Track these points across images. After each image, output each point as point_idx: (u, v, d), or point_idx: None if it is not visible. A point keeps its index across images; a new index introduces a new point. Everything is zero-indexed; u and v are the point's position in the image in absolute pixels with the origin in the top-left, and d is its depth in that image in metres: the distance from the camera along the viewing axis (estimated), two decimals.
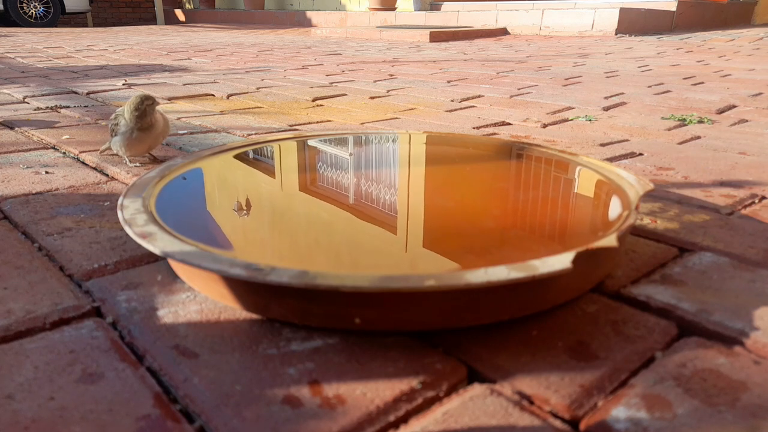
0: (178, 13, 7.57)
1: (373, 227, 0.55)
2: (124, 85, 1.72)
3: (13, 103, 1.41)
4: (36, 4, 6.15)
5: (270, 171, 0.74)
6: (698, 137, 1.05)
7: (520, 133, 1.10)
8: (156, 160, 0.87)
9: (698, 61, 2.38)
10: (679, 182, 0.78)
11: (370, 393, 0.35)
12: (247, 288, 0.42)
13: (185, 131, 1.09)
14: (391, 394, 0.35)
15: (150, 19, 7.68)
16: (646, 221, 0.63)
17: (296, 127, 1.14)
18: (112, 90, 1.62)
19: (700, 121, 1.19)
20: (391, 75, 2.00)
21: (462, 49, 3.17)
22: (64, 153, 0.92)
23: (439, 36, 3.92)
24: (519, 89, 1.65)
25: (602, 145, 1.00)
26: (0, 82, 1.80)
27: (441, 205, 0.62)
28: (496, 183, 0.70)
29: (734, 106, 1.37)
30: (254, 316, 0.43)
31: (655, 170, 0.84)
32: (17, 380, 0.36)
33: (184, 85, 1.73)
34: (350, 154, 0.82)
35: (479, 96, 1.54)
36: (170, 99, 1.48)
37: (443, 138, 0.90)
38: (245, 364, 0.38)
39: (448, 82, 1.82)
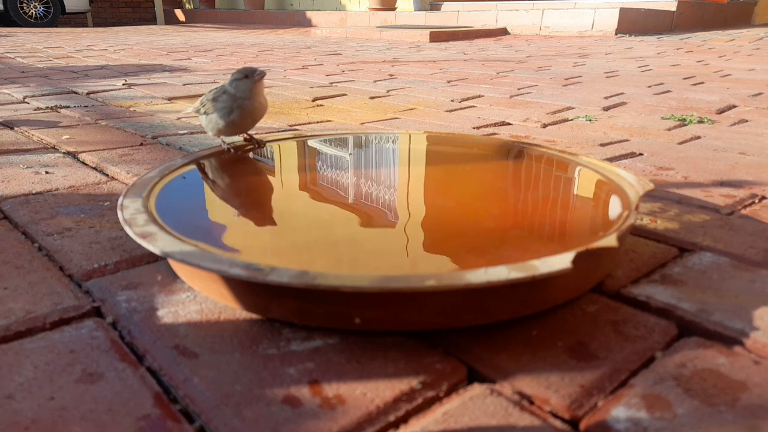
0: (178, 13, 7.57)
1: (373, 227, 0.55)
2: (124, 85, 1.72)
3: (13, 103, 1.41)
4: (36, 4, 6.14)
5: (270, 171, 0.74)
6: (698, 137, 1.05)
7: (520, 133, 1.10)
8: (258, 143, 0.79)
9: (698, 61, 2.38)
10: (679, 182, 0.78)
11: (370, 393, 0.35)
12: (247, 288, 0.42)
13: (185, 131, 1.08)
14: (391, 394, 0.35)
15: (150, 19, 7.67)
16: (646, 221, 0.63)
17: (296, 127, 1.14)
18: (112, 90, 1.62)
19: (700, 121, 1.19)
20: (391, 75, 2.00)
21: (462, 49, 3.17)
22: (64, 153, 0.92)
23: (439, 36, 3.92)
24: (519, 89, 1.65)
25: (602, 145, 1.00)
26: (0, 82, 1.80)
27: (441, 205, 0.62)
28: (496, 183, 0.70)
29: (734, 106, 1.37)
30: (254, 316, 0.43)
31: (655, 170, 0.84)
32: (17, 380, 0.36)
33: (184, 85, 1.73)
34: (350, 154, 0.82)
35: (479, 96, 1.54)
36: (170, 99, 1.48)
37: (443, 138, 0.90)
38: (245, 364, 0.38)
39: (448, 82, 1.82)
